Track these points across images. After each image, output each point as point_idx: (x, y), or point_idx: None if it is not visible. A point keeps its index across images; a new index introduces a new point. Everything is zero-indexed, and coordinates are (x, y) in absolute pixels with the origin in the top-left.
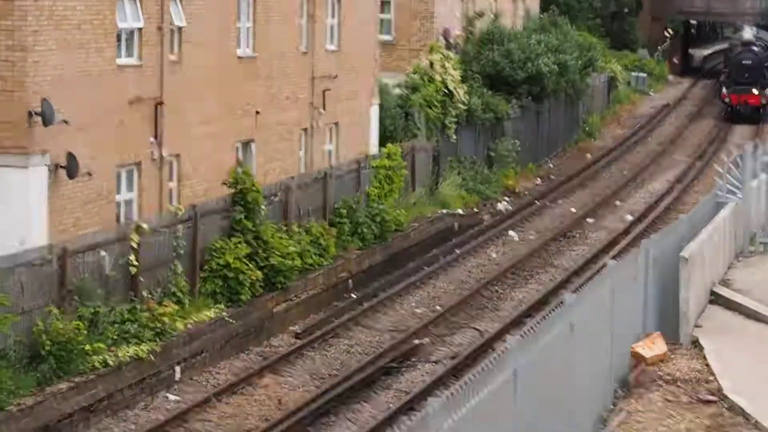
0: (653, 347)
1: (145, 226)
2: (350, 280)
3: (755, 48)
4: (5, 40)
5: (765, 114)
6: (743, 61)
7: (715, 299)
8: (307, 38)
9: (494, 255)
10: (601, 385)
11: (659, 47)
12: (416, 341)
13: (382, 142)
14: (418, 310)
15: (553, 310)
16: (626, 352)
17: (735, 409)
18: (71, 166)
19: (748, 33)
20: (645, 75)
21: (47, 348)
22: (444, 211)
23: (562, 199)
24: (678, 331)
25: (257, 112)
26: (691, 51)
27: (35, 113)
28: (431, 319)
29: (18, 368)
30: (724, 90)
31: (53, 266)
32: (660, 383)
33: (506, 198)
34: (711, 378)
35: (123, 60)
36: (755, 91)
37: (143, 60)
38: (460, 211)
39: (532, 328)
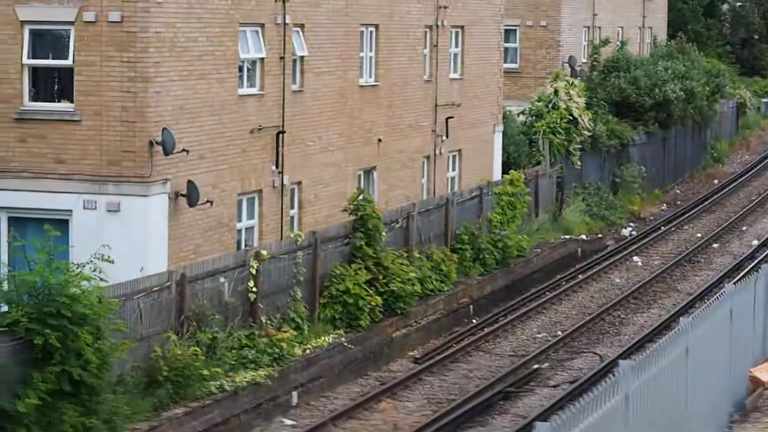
0: None
1: (264, 252)
2: (471, 306)
3: None
4: (127, 72)
5: None
6: None
7: None
8: (430, 67)
9: (617, 280)
10: (716, 409)
11: None
12: (536, 366)
13: (506, 169)
14: (539, 335)
15: (671, 334)
16: (744, 376)
17: None
18: (191, 195)
19: None
20: None
21: (164, 373)
22: (567, 237)
23: (687, 225)
24: None
25: (379, 140)
26: None
27: (156, 142)
28: (551, 343)
29: (135, 393)
30: None
31: (172, 293)
32: None
33: (631, 224)
34: None
35: (245, 90)
36: None
37: (265, 89)
38: (584, 237)
39: (647, 352)
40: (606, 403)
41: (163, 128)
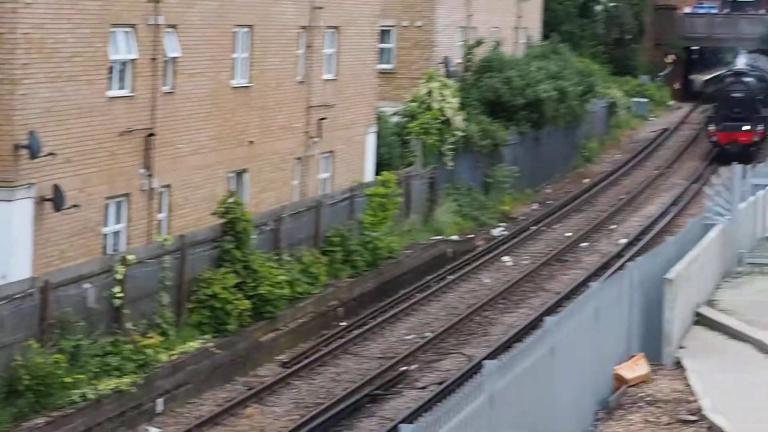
0: (636, 369)
1: (130, 257)
2: (340, 308)
3: (747, 78)
4: None
5: (756, 153)
6: (733, 94)
7: (700, 320)
8: (304, 67)
9: (487, 280)
10: (582, 407)
11: (660, 73)
12: (404, 368)
13: (379, 171)
14: (408, 337)
15: (536, 334)
16: (609, 374)
17: (715, 429)
18: (57, 199)
19: (740, 61)
20: (646, 100)
21: (25, 382)
22: (438, 237)
23: (557, 224)
24: (661, 352)
25: (251, 142)
26: (692, 76)
27: (22, 146)
28: (420, 345)
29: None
30: (711, 127)
31: (35, 300)
32: (641, 404)
33: (502, 224)
34: (692, 398)
35: (115, 92)
36: (746, 128)
37: (136, 91)
38: (455, 238)
39: (512, 352)
40: (471, 403)
41: (30, 131)
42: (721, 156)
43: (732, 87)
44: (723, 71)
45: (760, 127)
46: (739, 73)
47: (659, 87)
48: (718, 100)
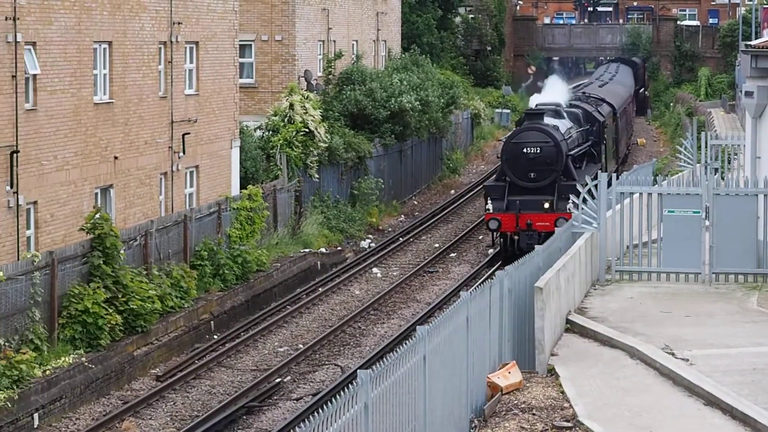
0: (509, 376)
1: None
2: (212, 322)
3: (552, 123)
4: None
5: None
6: (524, 150)
7: (571, 327)
8: (165, 83)
9: (357, 292)
10: (457, 415)
11: (522, 84)
12: (278, 379)
13: (244, 184)
14: (280, 349)
15: (408, 343)
16: (483, 381)
17: None
18: None
19: (549, 89)
20: (509, 111)
21: None
22: (307, 250)
23: (425, 235)
24: (534, 360)
25: (115, 158)
26: None
27: None
28: (293, 357)
29: None
30: (489, 204)
31: None
32: (516, 412)
33: (370, 236)
34: (566, 405)
35: None
36: (547, 204)
37: None
38: (324, 250)
39: (385, 361)
40: (346, 413)
41: None
42: (506, 252)
43: (523, 137)
44: (585, 80)
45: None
46: (537, 113)
47: (522, 97)
48: (503, 159)
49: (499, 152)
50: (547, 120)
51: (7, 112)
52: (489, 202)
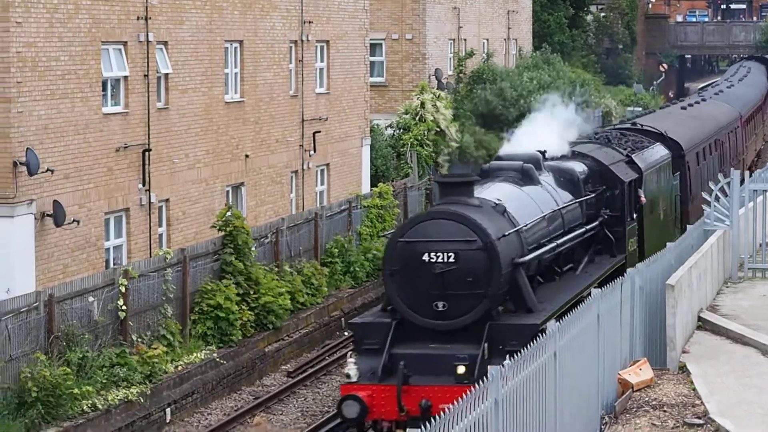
0: (640, 373)
1: (133, 270)
2: (342, 319)
3: (490, 199)
4: None
5: None
6: (425, 257)
7: (703, 325)
8: (296, 81)
9: None
10: (587, 412)
11: (654, 82)
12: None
13: (374, 182)
14: None
15: (539, 339)
16: (614, 378)
17: None
18: (57, 214)
19: (536, 125)
20: (640, 109)
21: (34, 394)
22: None
23: None
24: (665, 357)
25: (246, 156)
26: (687, 84)
27: (20, 163)
28: None
29: (6, 415)
30: (350, 366)
31: (40, 313)
32: (647, 409)
33: None
34: (697, 402)
35: (109, 108)
36: (462, 369)
37: (130, 107)
38: None
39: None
40: (476, 409)
41: (27, 148)
42: None
43: (422, 236)
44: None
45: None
46: (459, 183)
47: (654, 95)
48: (386, 273)
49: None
50: (492, 189)
51: (140, 111)
52: (351, 359)
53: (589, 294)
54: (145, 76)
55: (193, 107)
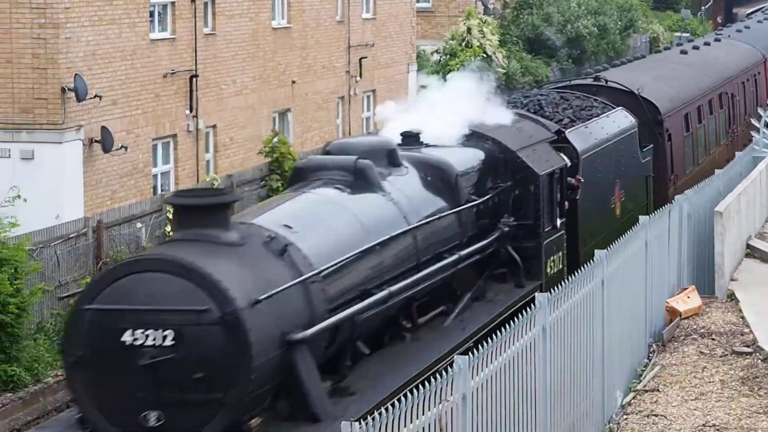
0: (688, 301)
1: None
2: None
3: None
4: (37, 18)
5: None
6: (124, 339)
7: (751, 252)
8: (342, 7)
9: None
10: (635, 339)
11: (702, 7)
12: None
13: None
14: None
15: (587, 267)
16: (661, 306)
17: None
18: (106, 140)
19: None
20: (688, 35)
21: None
22: None
23: None
24: (713, 285)
25: (293, 82)
26: (735, 10)
27: (68, 89)
28: None
29: (56, 341)
30: None
31: (89, 239)
32: (695, 336)
33: None
34: (746, 330)
35: (156, 34)
36: None
37: (177, 33)
38: None
39: (563, 285)
40: (523, 336)
41: (75, 74)
42: None
43: (118, 306)
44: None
45: None
46: (153, 263)
47: (701, 21)
48: (67, 370)
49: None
50: (283, 208)
51: (187, 36)
52: None
53: (451, 365)
54: (192, 1)
55: (240, 33)
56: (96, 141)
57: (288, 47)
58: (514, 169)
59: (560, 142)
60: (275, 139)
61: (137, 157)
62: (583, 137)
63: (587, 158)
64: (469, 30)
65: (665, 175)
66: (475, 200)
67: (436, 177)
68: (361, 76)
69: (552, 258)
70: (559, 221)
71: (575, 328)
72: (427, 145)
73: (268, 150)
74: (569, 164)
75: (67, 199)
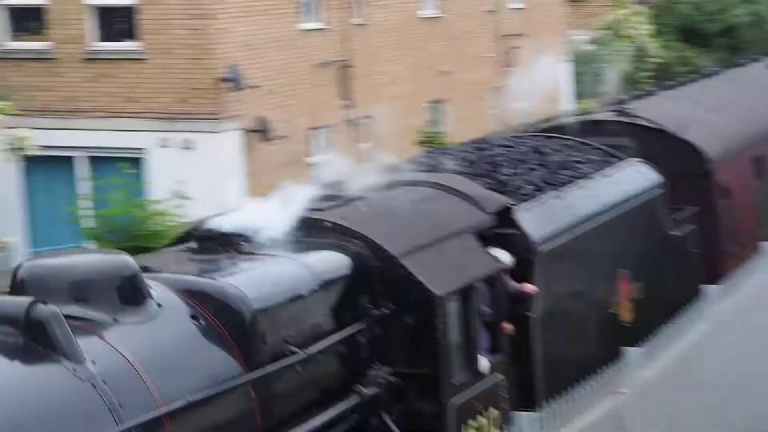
0: None
1: None
2: None
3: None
4: (192, 9)
5: None
6: None
7: None
8: None
9: None
10: None
11: None
12: None
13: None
14: None
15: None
16: None
17: None
18: (265, 130)
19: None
20: None
21: None
22: None
23: None
24: None
25: (445, 72)
26: None
27: (225, 79)
28: None
29: None
30: None
31: None
32: None
33: None
34: None
35: (308, 24)
36: None
37: (329, 24)
38: None
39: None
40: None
41: (231, 65)
42: None
43: None
44: None
45: None
46: None
47: None
48: None
49: None
50: None
51: (338, 27)
52: None
53: None
54: None
55: (390, 23)
56: (254, 130)
57: (439, 37)
58: (397, 287)
59: (505, 227)
60: (430, 130)
61: (294, 146)
62: (549, 215)
63: (556, 249)
64: (620, 20)
65: (716, 243)
66: (295, 351)
67: (221, 320)
68: (512, 65)
69: (474, 426)
70: (486, 362)
71: (749, 321)
72: (251, 253)
73: (425, 140)
74: (513, 264)
75: (230, 188)
